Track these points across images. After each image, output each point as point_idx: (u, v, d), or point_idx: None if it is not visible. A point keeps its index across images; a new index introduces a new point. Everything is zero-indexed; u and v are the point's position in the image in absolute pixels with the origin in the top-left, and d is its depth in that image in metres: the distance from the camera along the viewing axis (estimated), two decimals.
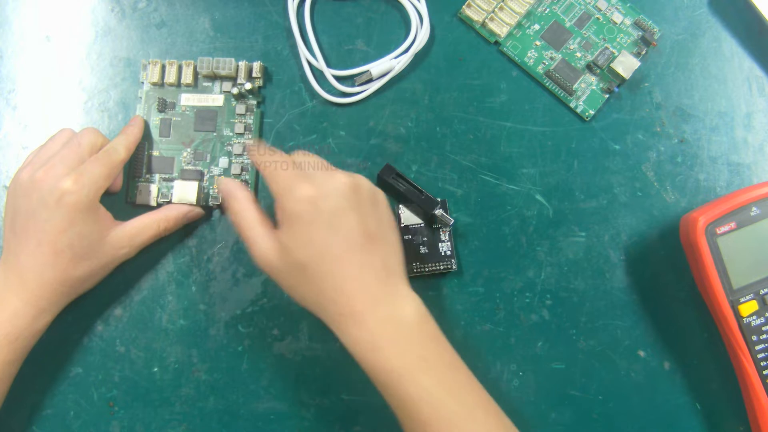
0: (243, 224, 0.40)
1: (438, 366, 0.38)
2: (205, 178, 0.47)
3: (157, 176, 0.47)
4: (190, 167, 0.47)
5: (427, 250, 0.46)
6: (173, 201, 0.46)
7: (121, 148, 0.44)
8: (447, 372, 0.38)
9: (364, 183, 0.40)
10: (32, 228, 0.40)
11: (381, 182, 0.46)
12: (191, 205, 0.46)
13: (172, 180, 0.47)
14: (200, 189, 0.47)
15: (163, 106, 0.48)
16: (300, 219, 0.37)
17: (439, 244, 0.46)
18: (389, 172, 0.45)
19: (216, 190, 0.47)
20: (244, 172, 0.47)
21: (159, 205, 0.47)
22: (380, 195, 0.41)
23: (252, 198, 0.41)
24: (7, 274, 0.41)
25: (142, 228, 0.44)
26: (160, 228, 0.45)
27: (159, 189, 0.47)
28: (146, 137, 0.48)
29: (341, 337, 0.38)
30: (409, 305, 0.39)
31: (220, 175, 0.47)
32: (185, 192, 0.47)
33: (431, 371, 0.37)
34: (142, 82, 0.48)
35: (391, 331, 0.37)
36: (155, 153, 0.48)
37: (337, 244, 0.38)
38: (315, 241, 0.37)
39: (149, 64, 0.48)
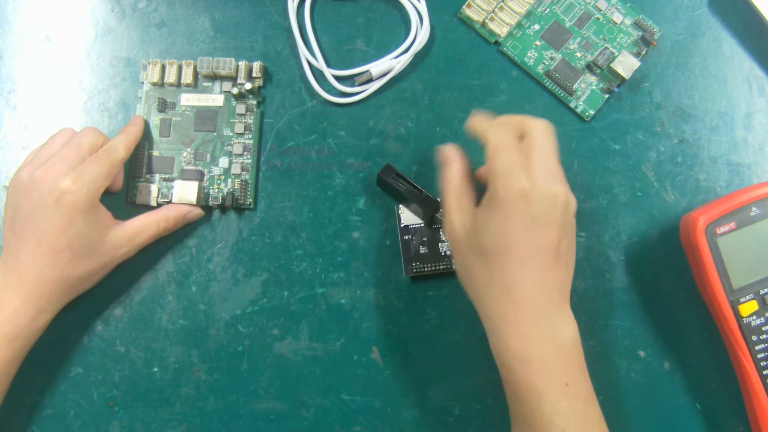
0: (448, 191, 0.40)
1: (578, 395, 0.37)
2: (205, 178, 0.47)
3: (157, 176, 0.47)
4: (190, 167, 0.47)
5: (427, 250, 0.46)
6: (173, 201, 0.47)
7: (121, 147, 0.44)
8: (584, 404, 0.38)
9: (574, 204, 0.38)
10: (32, 227, 0.40)
11: (381, 182, 0.46)
12: (191, 205, 0.46)
13: (172, 180, 0.47)
14: (200, 189, 0.47)
15: (163, 106, 0.48)
16: (504, 208, 0.36)
17: (439, 244, 0.46)
18: (389, 172, 0.45)
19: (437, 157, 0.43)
20: (243, 172, 0.47)
21: (159, 205, 0.47)
22: (574, 220, 0.39)
23: (467, 170, 0.41)
24: (6, 273, 0.41)
25: (141, 227, 0.44)
26: (159, 228, 0.45)
27: (159, 189, 0.47)
28: (146, 137, 0.48)
29: (493, 338, 0.38)
30: (568, 329, 0.38)
31: (221, 175, 0.47)
32: (185, 192, 0.47)
33: (571, 399, 0.37)
34: (142, 82, 0.48)
35: (546, 349, 0.37)
36: (155, 153, 0.48)
37: (526, 248, 0.37)
38: (507, 235, 0.37)
39: (149, 64, 0.48)
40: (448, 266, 0.46)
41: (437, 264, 0.46)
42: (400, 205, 0.46)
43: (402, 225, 0.46)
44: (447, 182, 0.41)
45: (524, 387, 0.37)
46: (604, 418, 0.38)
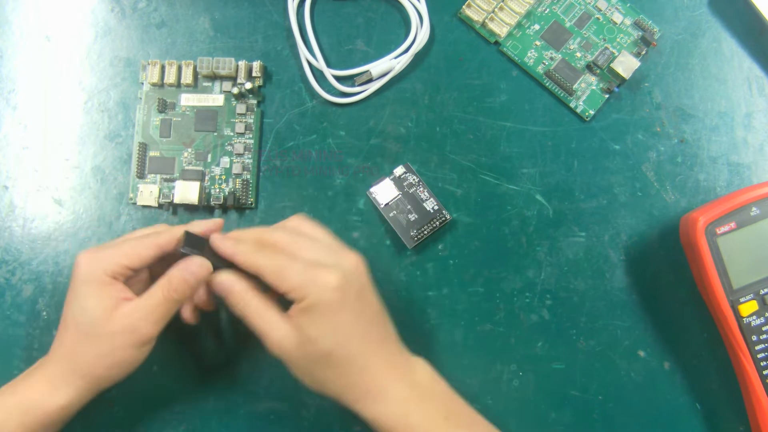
0: (251, 314, 0.38)
1: (461, 422, 0.39)
2: (206, 178, 0.47)
3: (158, 177, 0.47)
4: (191, 167, 0.47)
5: (416, 216, 0.46)
6: (175, 201, 0.46)
7: (167, 233, 0.40)
8: (472, 427, 0.39)
9: (362, 257, 0.40)
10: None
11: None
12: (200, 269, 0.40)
13: (173, 180, 0.47)
14: (202, 189, 0.47)
15: (163, 107, 0.48)
16: (328, 308, 0.37)
17: (424, 204, 0.46)
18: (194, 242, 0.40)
19: (209, 291, 0.41)
20: (245, 172, 0.47)
21: (161, 206, 0.47)
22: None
23: (251, 286, 0.39)
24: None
25: (148, 298, 0.39)
26: (164, 294, 0.39)
27: (160, 189, 0.47)
28: (147, 138, 0.48)
29: (365, 413, 0.38)
30: (421, 367, 0.40)
31: (222, 174, 0.47)
32: (187, 192, 0.47)
33: (458, 429, 0.38)
34: (142, 83, 0.48)
35: (415, 397, 0.38)
36: (156, 154, 0.48)
37: (361, 326, 0.38)
38: (342, 327, 0.37)
39: (148, 64, 0.48)
40: (444, 218, 0.46)
41: (433, 221, 0.46)
42: (371, 188, 0.46)
43: (382, 205, 0.46)
44: (244, 307, 0.38)
45: None
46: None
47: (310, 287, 0.37)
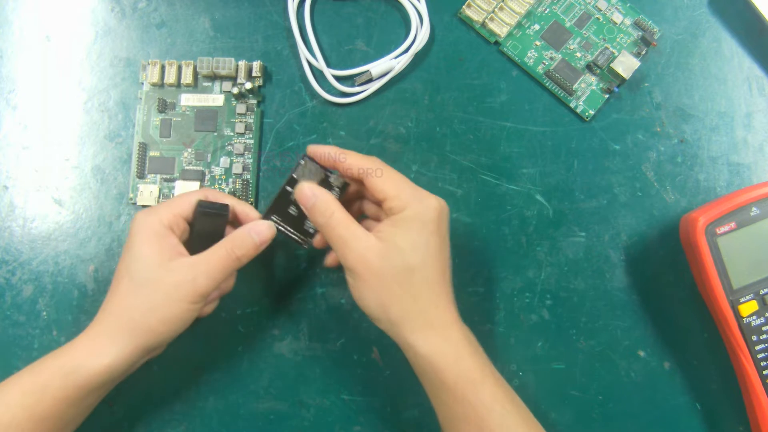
0: (336, 223, 0.38)
1: (504, 384, 0.39)
2: (206, 178, 0.47)
3: (158, 177, 0.47)
4: (191, 167, 0.47)
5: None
6: None
7: (210, 193, 0.42)
8: (510, 390, 0.39)
9: None
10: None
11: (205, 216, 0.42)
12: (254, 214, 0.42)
13: (173, 180, 0.47)
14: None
15: (163, 107, 0.48)
16: (425, 226, 0.38)
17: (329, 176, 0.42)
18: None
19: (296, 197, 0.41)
20: (245, 172, 0.47)
21: None
22: None
23: (336, 200, 0.39)
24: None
25: (208, 255, 0.39)
26: (230, 255, 0.39)
27: (160, 189, 0.47)
28: (147, 138, 0.48)
29: (419, 345, 0.37)
30: (466, 327, 0.40)
31: (222, 174, 0.47)
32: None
33: (503, 386, 0.39)
34: (142, 83, 0.48)
35: (468, 345, 0.38)
36: (156, 154, 0.48)
37: (443, 256, 0.39)
38: (431, 249, 0.38)
39: (148, 64, 0.48)
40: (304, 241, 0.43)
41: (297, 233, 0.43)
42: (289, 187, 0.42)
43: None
44: (329, 217, 0.38)
45: (462, 382, 0.37)
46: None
47: (413, 200, 0.38)
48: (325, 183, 0.41)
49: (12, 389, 0.37)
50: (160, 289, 0.38)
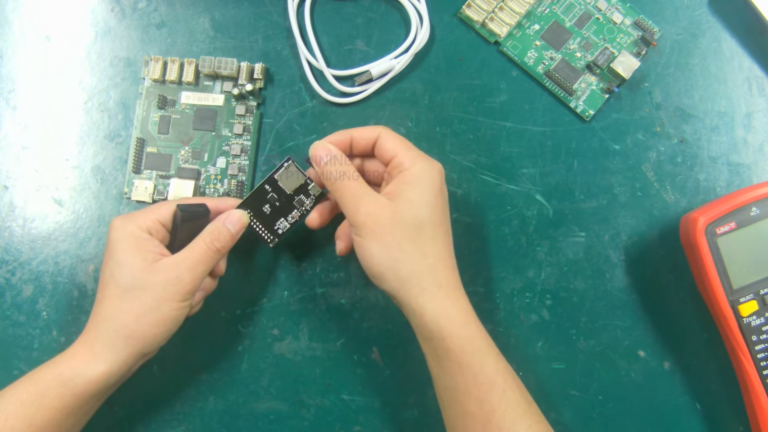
0: (345, 184, 0.39)
1: (503, 358, 0.39)
2: (202, 177, 0.47)
3: (154, 173, 0.47)
4: (187, 165, 0.47)
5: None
6: (169, 198, 0.47)
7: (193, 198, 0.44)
8: (509, 366, 0.39)
9: None
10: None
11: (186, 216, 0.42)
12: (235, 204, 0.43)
13: (168, 177, 0.47)
14: (197, 188, 0.47)
15: (163, 103, 0.48)
16: (431, 184, 0.39)
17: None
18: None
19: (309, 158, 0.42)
20: (240, 173, 0.47)
21: (155, 202, 0.47)
22: None
23: (347, 158, 0.41)
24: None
25: (190, 249, 0.40)
26: (208, 246, 0.40)
27: (155, 186, 0.47)
28: (145, 133, 0.48)
29: (429, 309, 0.37)
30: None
31: (218, 174, 0.47)
32: (181, 191, 0.47)
33: (504, 361, 0.39)
34: (143, 78, 0.48)
35: (471, 312, 0.39)
36: (153, 150, 0.48)
37: (447, 220, 0.40)
38: (437, 207, 0.39)
39: (151, 60, 0.48)
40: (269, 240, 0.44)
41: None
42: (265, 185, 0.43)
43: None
44: (342, 174, 0.40)
45: (468, 350, 0.37)
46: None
47: (420, 160, 0.40)
48: (302, 189, 0.43)
49: (10, 400, 0.37)
50: (148, 292, 0.38)
